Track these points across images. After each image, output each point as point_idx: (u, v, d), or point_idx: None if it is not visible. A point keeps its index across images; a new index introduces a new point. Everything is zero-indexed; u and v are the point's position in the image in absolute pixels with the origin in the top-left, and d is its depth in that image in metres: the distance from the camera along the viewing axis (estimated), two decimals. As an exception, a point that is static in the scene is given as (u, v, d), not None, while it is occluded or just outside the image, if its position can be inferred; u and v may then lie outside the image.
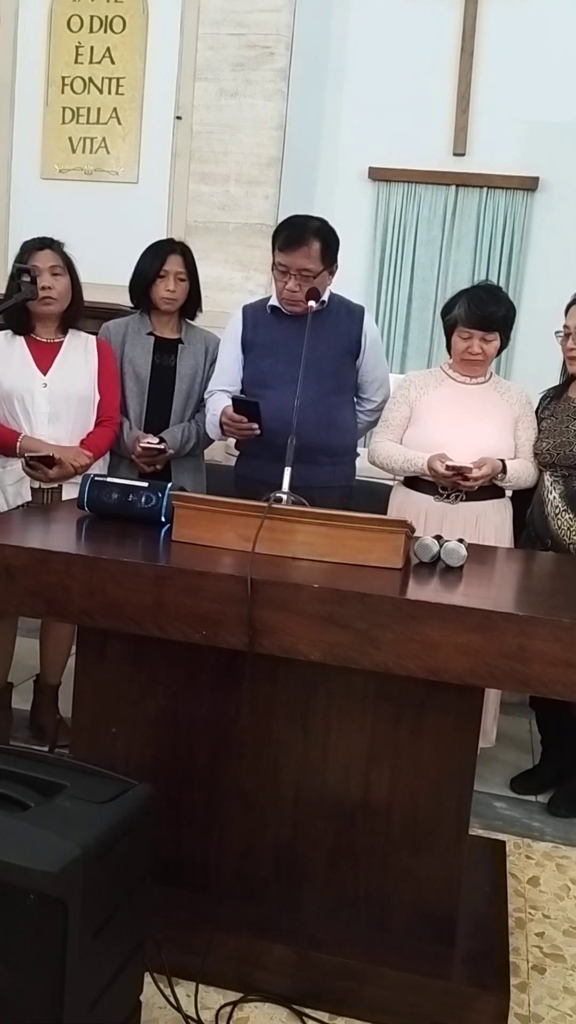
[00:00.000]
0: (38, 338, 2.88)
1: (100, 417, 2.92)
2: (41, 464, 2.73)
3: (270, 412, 2.53)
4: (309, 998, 1.86)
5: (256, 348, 2.81)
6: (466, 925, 1.96)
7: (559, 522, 2.73)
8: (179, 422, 3.01)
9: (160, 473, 2.95)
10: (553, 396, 2.89)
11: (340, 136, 4.62)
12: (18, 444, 2.78)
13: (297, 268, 2.64)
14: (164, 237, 3.20)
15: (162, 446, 2.91)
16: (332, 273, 2.74)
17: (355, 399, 2.91)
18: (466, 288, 2.87)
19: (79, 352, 2.91)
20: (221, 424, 2.70)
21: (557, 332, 2.78)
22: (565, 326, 2.75)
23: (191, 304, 3.05)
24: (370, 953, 1.88)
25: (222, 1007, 1.84)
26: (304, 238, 2.64)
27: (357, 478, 2.96)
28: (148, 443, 2.88)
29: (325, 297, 2.77)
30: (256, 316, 2.84)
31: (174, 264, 2.95)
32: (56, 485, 2.83)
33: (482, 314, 2.71)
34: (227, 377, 2.85)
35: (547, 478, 2.78)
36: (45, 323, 2.88)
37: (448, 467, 2.64)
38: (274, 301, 2.80)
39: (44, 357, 2.86)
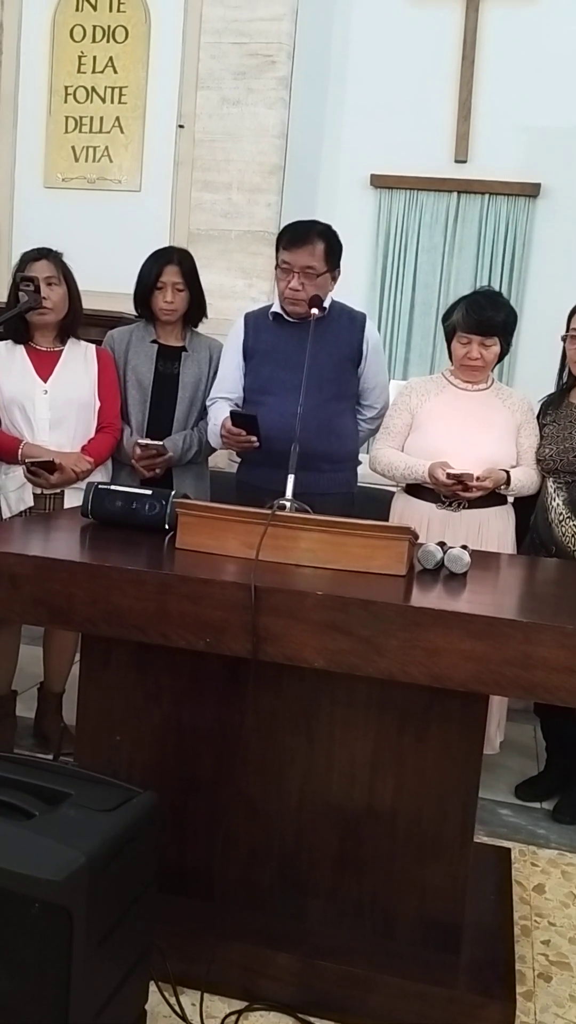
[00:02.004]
0: (37, 347, 2.90)
1: (101, 424, 2.94)
2: (42, 470, 2.74)
3: (271, 419, 2.53)
4: (314, 1007, 1.86)
5: (257, 355, 2.82)
6: (471, 933, 1.96)
7: (563, 528, 2.72)
8: (181, 430, 3.01)
9: (162, 480, 2.95)
10: (553, 402, 2.88)
11: (341, 144, 4.63)
12: (20, 450, 2.79)
13: (301, 266, 2.65)
14: (167, 245, 3.21)
15: (160, 445, 2.91)
16: (335, 279, 2.75)
17: (356, 406, 2.91)
18: (466, 294, 2.87)
19: (79, 360, 2.93)
20: (220, 435, 2.71)
21: (564, 336, 2.78)
22: (574, 328, 2.74)
23: (194, 311, 3.04)
24: (375, 961, 1.87)
25: (227, 1016, 1.84)
26: (309, 237, 2.66)
27: (360, 485, 2.96)
28: (145, 442, 2.88)
29: (326, 303, 2.77)
30: (258, 323, 2.85)
31: (171, 275, 2.94)
32: (58, 491, 2.84)
33: (480, 319, 2.72)
34: (228, 384, 2.86)
35: (550, 485, 2.78)
36: (43, 332, 2.89)
37: (449, 475, 2.64)
38: (276, 307, 2.81)
39: (44, 365, 2.87)
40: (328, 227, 2.72)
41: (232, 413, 2.63)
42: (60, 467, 2.75)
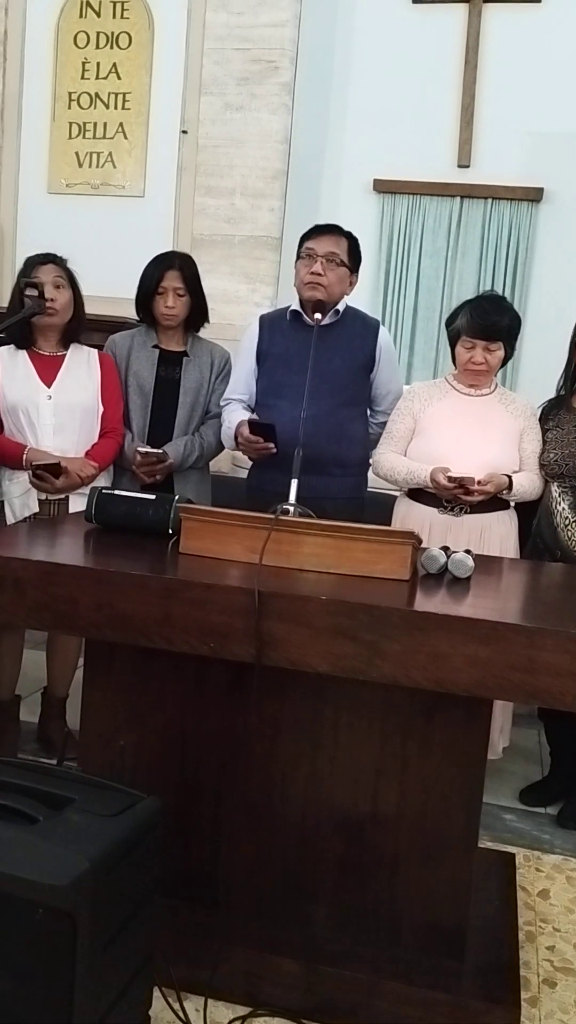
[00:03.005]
0: (40, 351, 2.90)
1: (104, 429, 2.94)
2: (48, 473, 2.74)
3: (282, 423, 2.54)
4: (318, 1012, 1.85)
5: (271, 359, 2.83)
6: (476, 938, 1.95)
7: (569, 533, 2.72)
8: (183, 435, 3.02)
9: (163, 485, 2.95)
10: (554, 406, 2.88)
11: (345, 149, 4.63)
12: (24, 456, 2.79)
13: (325, 251, 2.69)
14: (170, 250, 3.21)
15: (160, 452, 2.91)
16: (352, 283, 2.78)
17: (368, 411, 2.92)
18: (470, 299, 2.87)
19: (82, 365, 2.93)
20: (237, 441, 2.72)
21: (573, 341, 2.79)
22: None
23: (196, 316, 3.05)
24: (379, 967, 1.87)
25: (231, 1021, 1.84)
26: (334, 230, 2.75)
27: (367, 489, 2.97)
28: (146, 450, 2.89)
29: (340, 307, 2.78)
30: (273, 325, 2.86)
31: (172, 280, 2.95)
32: (62, 496, 2.85)
33: (484, 323, 2.71)
34: (242, 387, 2.88)
35: (555, 489, 2.78)
36: (47, 336, 2.89)
37: (450, 479, 2.63)
38: (295, 306, 2.81)
39: (47, 370, 2.88)
40: (352, 233, 2.78)
41: (250, 423, 2.64)
42: (65, 471, 2.76)
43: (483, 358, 2.75)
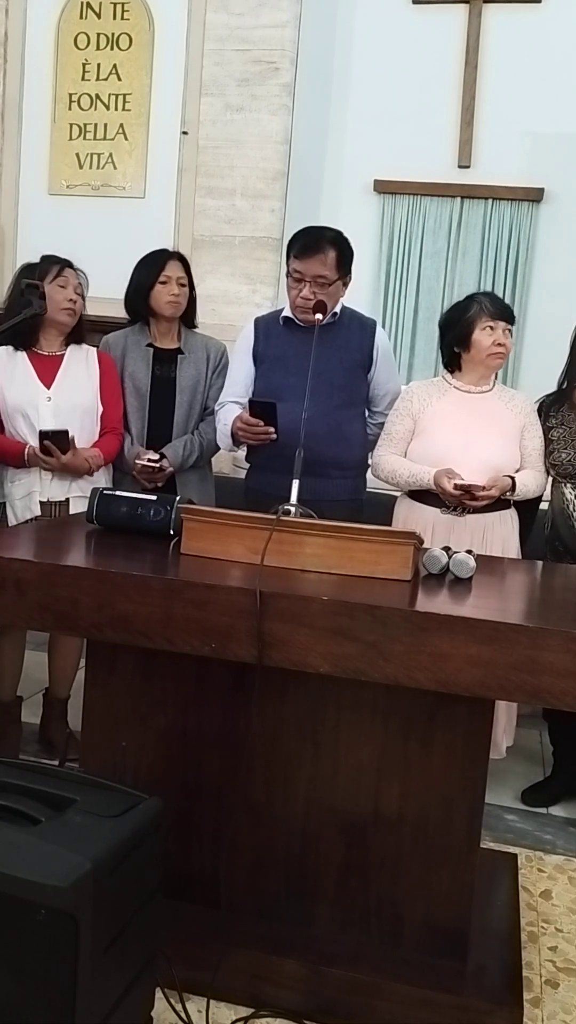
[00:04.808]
0: (40, 352, 2.89)
1: (105, 428, 2.94)
2: (55, 447, 2.72)
3: (281, 424, 2.53)
4: (320, 1013, 1.85)
5: (268, 360, 2.82)
6: (478, 939, 1.95)
7: None
8: (182, 434, 3.01)
9: (165, 487, 2.95)
10: (555, 401, 2.87)
11: (345, 149, 4.63)
12: (25, 454, 2.79)
13: (313, 275, 2.65)
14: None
15: (161, 463, 2.91)
16: (346, 284, 2.76)
17: (366, 412, 2.91)
18: (469, 295, 2.86)
19: (81, 364, 2.93)
20: (235, 433, 2.69)
21: None
22: None
23: (190, 313, 3.05)
24: (382, 968, 1.87)
25: (233, 1022, 1.84)
26: (320, 246, 2.66)
27: (367, 490, 2.96)
28: (147, 460, 2.88)
29: (337, 309, 2.78)
30: (268, 328, 2.85)
31: (175, 269, 2.96)
32: (63, 499, 2.85)
33: (503, 305, 2.75)
34: (239, 388, 2.85)
35: (568, 491, 2.76)
36: (49, 336, 2.89)
37: (456, 486, 2.61)
38: (287, 312, 2.81)
39: (46, 370, 2.88)
40: (339, 233, 2.72)
41: (250, 402, 2.62)
42: (72, 442, 2.74)
43: (504, 339, 2.74)
